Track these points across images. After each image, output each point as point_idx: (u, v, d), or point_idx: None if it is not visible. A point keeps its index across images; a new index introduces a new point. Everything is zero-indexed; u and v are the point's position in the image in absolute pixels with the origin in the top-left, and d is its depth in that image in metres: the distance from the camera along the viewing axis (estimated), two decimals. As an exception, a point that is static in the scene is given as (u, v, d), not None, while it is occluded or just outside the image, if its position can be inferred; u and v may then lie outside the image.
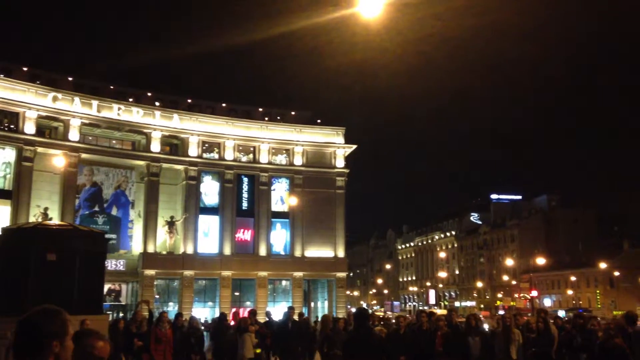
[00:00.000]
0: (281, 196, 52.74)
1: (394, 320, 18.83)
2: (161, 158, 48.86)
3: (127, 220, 49.20)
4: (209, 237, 50.08)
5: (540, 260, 73.78)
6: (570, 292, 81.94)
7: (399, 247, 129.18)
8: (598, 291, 77.43)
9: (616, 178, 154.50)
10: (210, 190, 51.02)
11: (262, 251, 50.85)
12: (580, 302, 76.12)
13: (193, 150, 49.98)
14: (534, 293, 73.22)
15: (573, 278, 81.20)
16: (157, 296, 47.34)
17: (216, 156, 51.27)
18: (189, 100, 54.55)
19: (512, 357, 10.99)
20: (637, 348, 9.03)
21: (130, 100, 50.11)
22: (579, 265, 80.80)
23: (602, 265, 73.31)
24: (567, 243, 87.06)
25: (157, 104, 51.34)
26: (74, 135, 45.10)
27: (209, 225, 50.31)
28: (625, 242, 79.84)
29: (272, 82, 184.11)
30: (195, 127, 50.33)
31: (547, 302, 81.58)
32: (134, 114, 48.19)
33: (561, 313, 50.39)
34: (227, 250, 49.77)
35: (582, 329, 10.81)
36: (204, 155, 50.83)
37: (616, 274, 75.18)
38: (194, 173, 49.72)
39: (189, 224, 48.84)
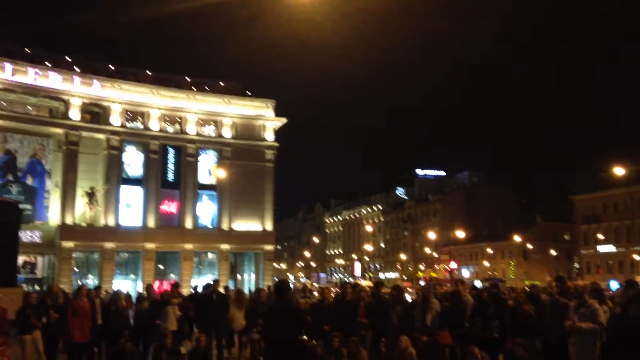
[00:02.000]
0: (209, 168, 51.90)
1: (315, 293, 19.08)
2: (81, 126, 46.80)
3: (43, 190, 46.95)
4: (132, 208, 48.71)
5: (460, 234, 76.94)
6: (486, 263, 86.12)
7: (327, 221, 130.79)
8: (512, 262, 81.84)
9: (532, 156, 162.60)
10: (133, 161, 49.44)
11: (188, 224, 50.05)
12: (496, 273, 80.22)
13: (115, 119, 48.13)
14: (454, 264, 76.43)
15: (490, 250, 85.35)
16: (75, 269, 45.84)
17: (140, 126, 49.62)
18: (111, 67, 52.24)
19: (429, 325, 11.37)
20: (551, 316, 9.54)
21: (48, 64, 47.43)
22: (495, 239, 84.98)
23: (517, 238, 77.45)
24: (486, 217, 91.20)
25: (76, 69, 48.82)
26: (-16, 99, 42.28)
27: (132, 197, 48.88)
28: (538, 216, 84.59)
29: (202, 52, 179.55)
30: (117, 95, 48.39)
31: (466, 273, 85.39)
32: (52, 80, 45.77)
33: (477, 283, 52.85)
34: (151, 223, 48.64)
35: (496, 297, 11.30)
36: (127, 124, 49.09)
37: (529, 246, 79.66)
38: (117, 143, 48.00)
39: (111, 195, 47.29)
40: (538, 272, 74.19)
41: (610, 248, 71.48)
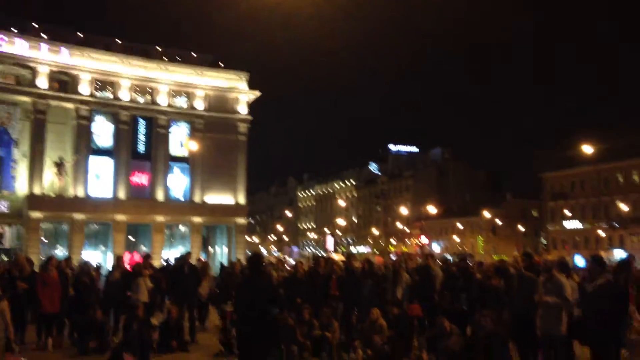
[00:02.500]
0: (180, 140, 51.24)
1: (288, 267, 19.23)
2: (49, 95, 45.63)
3: (10, 159, 45.82)
4: (101, 180, 48.00)
5: (432, 209, 77.97)
6: (456, 238, 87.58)
7: (300, 195, 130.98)
8: (481, 238, 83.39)
9: (503, 133, 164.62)
10: (103, 131, 48.54)
11: (160, 196, 49.56)
12: (465, 248, 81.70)
13: (84, 89, 47.03)
14: (425, 239, 77.51)
15: (460, 226, 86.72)
16: (44, 240, 45.20)
17: (110, 96, 48.59)
18: (80, 35, 50.81)
19: (399, 297, 11.54)
20: (518, 289, 9.74)
21: (14, 30, 45.89)
22: (465, 214, 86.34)
23: (486, 214, 78.82)
24: (457, 193, 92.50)
25: (44, 36, 47.35)
26: (-54, 65, 40.81)
27: (101, 168, 48.13)
28: (508, 193, 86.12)
29: (172, 22, 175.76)
30: (86, 64, 47.19)
31: (436, 248, 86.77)
32: (18, 46, 44.38)
33: (447, 258, 53.73)
34: (122, 194, 48.04)
35: (465, 271, 11.51)
36: (97, 94, 48.02)
37: (498, 222, 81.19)
38: (86, 113, 47.00)
39: (80, 165, 46.47)
40: (506, 248, 75.78)
41: (576, 224, 73.31)
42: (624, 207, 66.05)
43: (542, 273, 9.41)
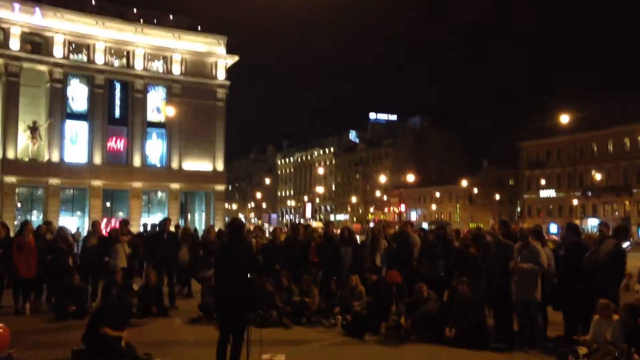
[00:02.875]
0: (157, 105, 50.45)
1: (268, 235, 19.26)
2: (21, 57, 44.40)
3: (-18, 124, 44.73)
4: (77, 144, 47.22)
5: (410, 177, 78.52)
6: (434, 206, 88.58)
7: (279, 162, 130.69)
8: (458, 206, 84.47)
9: (482, 102, 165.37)
10: (78, 95, 47.53)
11: (137, 162, 48.99)
12: (442, 216, 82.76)
13: (58, 51, 45.82)
14: (402, 207, 78.28)
15: (437, 194, 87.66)
16: (18, 205, 44.59)
17: (85, 58, 47.43)
18: (53, -6, 49.16)
19: (377, 264, 11.66)
20: (494, 256, 9.89)
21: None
22: (443, 183, 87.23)
23: (464, 182, 79.70)
24: (435, 162, 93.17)
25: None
26: None
27: (76, 132, 47.30)
28: (485, 161, 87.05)
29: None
30: (60, 25, 45.88)
31: (414, 216, 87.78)
32: (-12, 6, 42.89)
33: (425, 226, 54.47)
34: (98, 159, 47.38)
35: (442, 239, 11.62)
36: (71, 56, 46.83)
37: (475, 191, 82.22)
38: (60, 75, 45.90)
39: (55, 130, 45.61)
40: (483, 216, 77.01)
41: (551, 193, 74.60)
42: (598, 176, 67.33)
43: (518, 240, 9.56)
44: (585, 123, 61.87)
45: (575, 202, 69.16)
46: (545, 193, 75.14)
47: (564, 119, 44.90)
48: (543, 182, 74.97)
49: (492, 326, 9.81)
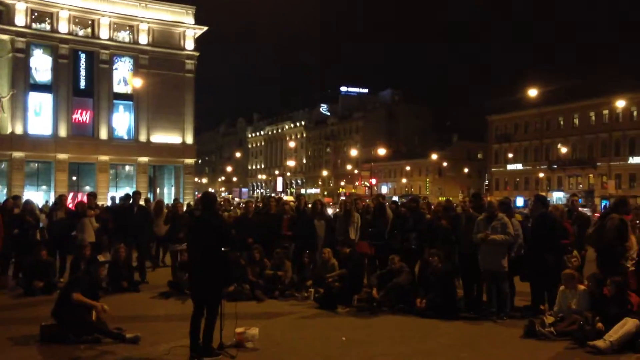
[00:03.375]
0: (124, 76, 49.29)
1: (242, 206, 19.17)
2: (-19, 26, 42.72)
3: (-59, 94, 43.20)
4: (41, 116, 45.97)
5: (381, 151, 78.89)
6: (404, 180, 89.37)
7: (249, 136, 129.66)
8: (428, 179, 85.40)
9: (451, 76, 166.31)
10: (41, 66, 46.09)
11: (103, 134, 48.01)
12: (413, 190, 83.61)
13: (20, 19, 44.22)
14: (373, 181, 78.78)
15: (408, 168, 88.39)
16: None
17: (48, 27, 45.90)
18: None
19: (351, 237, 11.72)
20: (464, 228, 10.03)
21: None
22: (413, 156, 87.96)
23: (434, 156, 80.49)
24: (406, 135, 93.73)
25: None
26: None
27: (40, 104, 46.00)
28: (454, 135, 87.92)
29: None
30: (21, -8, 44.20)
31: (384, 190, 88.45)
32: (-58, -30, 40.98)
33: (395, 199, 54.97)
34: (63, 132, 46.26)
35: (415, 211, 11.71)
36: (34, 25, 45.26)
37: (444, 164, 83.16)
38: (22, 45, 44.40)
39: (17, 101, 44.30)
40: (452, 189, 78.11)
41: (518, 166, 75.95)
42: (564, 150, 68.72)
43: (486, 212, 9.71)
44: (552, 96, 62.81)
45: (541, 175, 70.56)
46: (512, 166, 76.46)
47: (532, 92, 45.45)
48: (510, 155, 76.19)
49: (462, 297, 10.03)
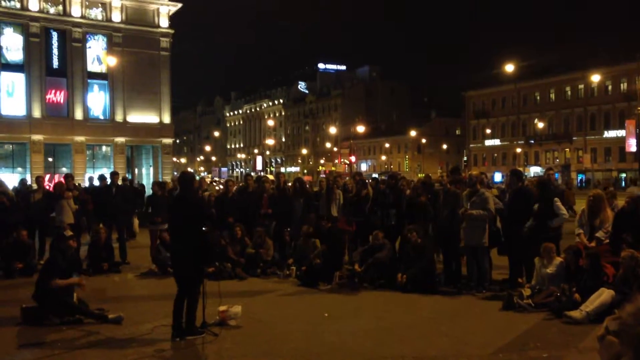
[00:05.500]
0: (98, 55, 48.27)
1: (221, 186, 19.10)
2: (-54, 3, 41.33)
3: None
4: (14, 97, 44.91)
5: (360, 128, 78.93)
6: (383, 157, 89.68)
7: (227, 115, 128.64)
8: (407, 156, 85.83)
9: (429, 52, 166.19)
10: (12, 45, 44.86)
11: (78, 115, 47.12)
12: (392, 167, 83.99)
13: (-13, -4, 42.88)
14: (353, 158, 78.97)
15: (387, 145, 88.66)
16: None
17: (18, 5, 44.62)
18: None
19: (333, 214, 11.77)
20: (443, 203, 10.15)
21: None
22: (392, 133, 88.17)
23: (412, 133, 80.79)
24: (384, 113, 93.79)
25: None
26: None
27: (13, 84, 44.90)
28: (433, 111, 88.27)
29: None
30: (-12, -32, 42.80)
31: (364, 167, 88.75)
32: None
33: (375, 176, 55.18)
34: (37, 113, 45.30)
35: (394, 188, 11.78)
36: (3, 3, 43.94)
37: (423, 141, 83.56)
38: (-9, 24, 43.13)
39: (-12, 82, 43.16)
40: (431, 166, 78.61)
41: (496, 142, 76.68)
42: (540, 125, 69.49)
43: (467, 187, 9.83)
44: (528, 72, 63.23)
45: (518, 150, 71.37)
46: (490, 142, 77.15)
47: (509, 67, 45.70)
48: (488, 131, 76.83)
49: (441, 271, 10.18)
